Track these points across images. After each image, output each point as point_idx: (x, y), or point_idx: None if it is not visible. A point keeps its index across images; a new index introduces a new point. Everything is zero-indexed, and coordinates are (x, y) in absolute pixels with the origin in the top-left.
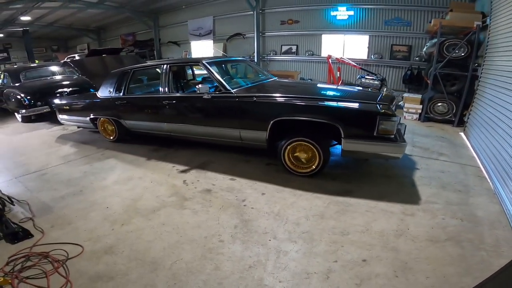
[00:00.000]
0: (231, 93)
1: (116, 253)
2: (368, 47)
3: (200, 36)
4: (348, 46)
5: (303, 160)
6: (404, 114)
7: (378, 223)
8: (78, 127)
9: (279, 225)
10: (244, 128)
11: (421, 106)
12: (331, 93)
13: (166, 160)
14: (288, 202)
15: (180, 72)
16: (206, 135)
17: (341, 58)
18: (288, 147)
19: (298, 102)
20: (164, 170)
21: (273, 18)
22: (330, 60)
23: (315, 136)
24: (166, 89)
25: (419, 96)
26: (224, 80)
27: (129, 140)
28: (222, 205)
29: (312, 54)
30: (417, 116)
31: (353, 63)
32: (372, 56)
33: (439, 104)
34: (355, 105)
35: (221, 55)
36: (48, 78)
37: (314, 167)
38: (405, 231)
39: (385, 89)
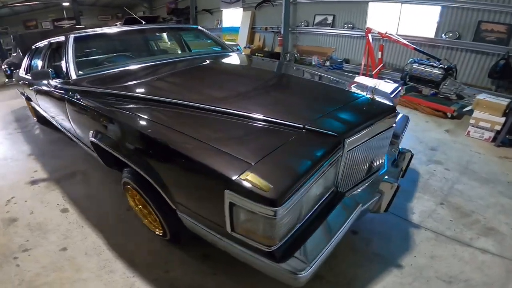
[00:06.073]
0: (68, 80)
1: None
2: (438, 22)
3: (231, 3)
4: (406, 20)
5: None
6: (470, 127)
7: None
8: None
9: None
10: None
11: (503, 120)
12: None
13: None
14: None
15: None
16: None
17: (386, 33)
18: (129, 186)
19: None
20: None
21: None
22: (369, 35)
23: (145, 184)
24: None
25: (504, 102)
26: (73, 60)
27: None
28: None
29: (353, 27)
30: (491, 134)
31: (404, 41)
32: (443, 35)
33: None
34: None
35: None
36: None
37: (159, 232)
38: None
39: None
